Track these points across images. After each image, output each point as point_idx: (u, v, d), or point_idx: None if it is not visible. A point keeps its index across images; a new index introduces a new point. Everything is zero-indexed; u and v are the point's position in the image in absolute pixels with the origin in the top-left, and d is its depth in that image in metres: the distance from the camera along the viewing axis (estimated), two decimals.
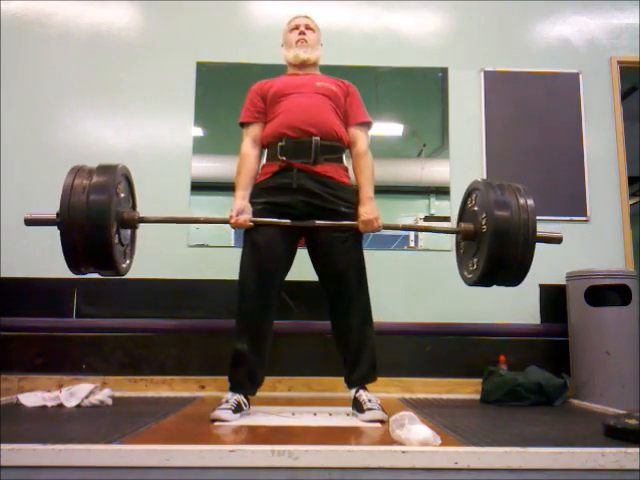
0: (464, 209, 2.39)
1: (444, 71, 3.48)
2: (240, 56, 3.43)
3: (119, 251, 2.13)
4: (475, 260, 2.21)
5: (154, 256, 3.22)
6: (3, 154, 3.30)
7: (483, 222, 2.14)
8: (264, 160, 2.47)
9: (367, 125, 2.54)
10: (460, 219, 2.41)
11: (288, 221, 2.26)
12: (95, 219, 1.96)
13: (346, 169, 2.46)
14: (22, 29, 3.45)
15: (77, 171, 2.06)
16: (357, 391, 2.26)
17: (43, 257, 3.21)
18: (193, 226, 3.27)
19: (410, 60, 3.48)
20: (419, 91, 3.55)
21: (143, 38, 3.48)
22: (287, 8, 3.47)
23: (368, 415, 2.10)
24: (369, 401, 2.17)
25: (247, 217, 2.27)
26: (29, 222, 2.12)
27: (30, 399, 2.49)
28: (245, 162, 2.40)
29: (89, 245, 1.98)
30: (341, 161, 2.44)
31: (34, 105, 3.38)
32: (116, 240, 2.07)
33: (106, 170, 2.07)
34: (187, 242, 3.25)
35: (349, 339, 2.31)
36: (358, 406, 2.20)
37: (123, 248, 2.20)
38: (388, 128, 3.53)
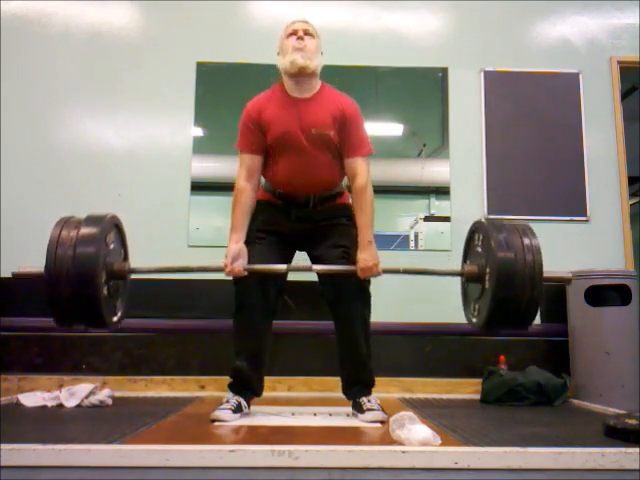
0: (468, 249, 2.29)
1: (444, 71, 3.48)
2: (240, 56, 3.43)
3: (108, 305, 2.03)
4: (480, 303, 2.11)
5: (154, 256, 3.22)
6: (3, 154, 3.30)
7: (487, 264, 2.05)
8: (262, 181, 2.41)
9: (368, 154, 2.36)
10: (464, 259, 2.31)
11: (284, 266, 2.18)
12: (82, 273, 1.87)
13: (344, 192, 2.42)
14: (22, 29, 3.45)
15: (64, 223, 1.98)
16: (359, 396, 2.25)
17: (43, 257, 3.21)
18: (193, 226, 3.27)
19: (410, 60, 3.49)
20: (419, 91, 3.55)
21: (143, 38, 3.48)
22: (287, 8, 3.48)
23: (368, 416, 2.10)
24: (369, 401, 2.17)
25: (242, 264, 2.16)
26: (17, 276, 2.04)
27: (30, 399, 2.49)
28: (240, 198, 2.27)
29: (76, 301, 1.89)
30: (340, 197, 2.40)
31: (34, 105, 3.38)
32: (105, 293, 1.98)
33: (94, 221, 1.99)
34: (187, 242, 3.25)
35: (350, 354, 2.29)
36: (358, 407, 2.20)
37: (113, 301, 2.10)
38: (388, 128, 3.53)
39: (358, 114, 2.33)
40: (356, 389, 2.27)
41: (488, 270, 2.02)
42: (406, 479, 1.41)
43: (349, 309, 2.24)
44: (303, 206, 2.32)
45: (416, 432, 1.55)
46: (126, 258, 2.25)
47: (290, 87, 2.30)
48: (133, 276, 3.17)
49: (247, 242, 2.24)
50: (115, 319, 2.11)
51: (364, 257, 2.16)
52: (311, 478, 1.40)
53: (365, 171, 2.29)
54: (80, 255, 1.88)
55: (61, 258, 1.88)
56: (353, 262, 2.18)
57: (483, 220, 2.22)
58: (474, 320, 2.16)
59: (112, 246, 2.07)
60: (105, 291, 1.98)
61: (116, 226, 2.15)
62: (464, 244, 2.33)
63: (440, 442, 1.53)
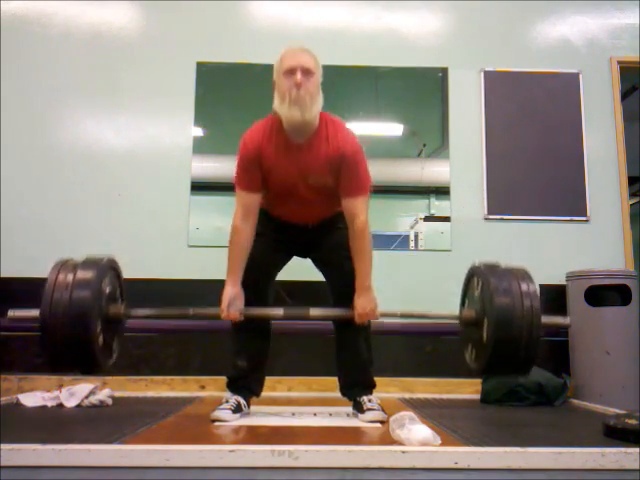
0: (466, 293, 2.25)
1: (444, 71, 3.48)
2: (240, 56, 3.43)
3: (103, 350, 2.00)
4: (478, 349, 2.09)
5: (154, 256, 3.23)
6: (3, 153, 3.30)
7: (485, 310, 2.02)
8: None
9: (368, 194, 2.24)
10: (462, 303, 2.28)
11: (281, 311, 2.14)
12: (77, 319, 1.84)
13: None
14: (22, 29, 3.45)
15: (61, 266, 1.97)
16: (359, 395, 2.26)
17: (43, 257, 3.21)
18: (193, 226, 3.27)
19: (410, 60, 3.49)
20: (419, 91, 3.55)
21: (143, 38, 3.48)
22: (287, 8, 3.49)
23: (368, 415, 2.10)
24: (369, 401, 2.17)
25: (239, 308, 2.12)
26: (13, 320, 2.01)
27: (30, 399, 2.49)
28: (237, 238, 2.17)
29: (71, 346, 1.87)
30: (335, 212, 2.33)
31: (34, 105, 3.38)
32: (100, 338, 1.95)
33: (91, 265, 1.97)
34: (187, 242, 3.25)
35: (351, 360, 2.29)
36: (358, 406, 2.20)
37: (109, 344, 2.07)
38: (388, 128, 3.53)
39: (359, 155, 2.18)
40: (357, 389, 2.27)
41: (486, 318, 2.00)
42: (406, 479, 1.41)
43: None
44: (301, 229, 2.31)
45: (416, 432, 1.55)
46: (122, 300, 2.21)
47: (288, 130, 2.14)
48: (133, 276, 3.19)
49: None
50: (110, 361, 2.08)
51: (362, 303, 2.11)
52: (311, 478, 1.40)
53: (364, 211, 2.17)
54: (75, 300, 1.86)
55: (57, 302, 1.86)
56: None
57: (479, 264, 2.15)
58: (474, 365, 2.13)
59: (108, 290, 2.04)
60: (100, 336, 1.95)
61: (113, 269, 2.12)
62: (462, 286, 2.28)
63: (440, 442, 1.53)
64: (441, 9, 3.57)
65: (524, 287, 1.99)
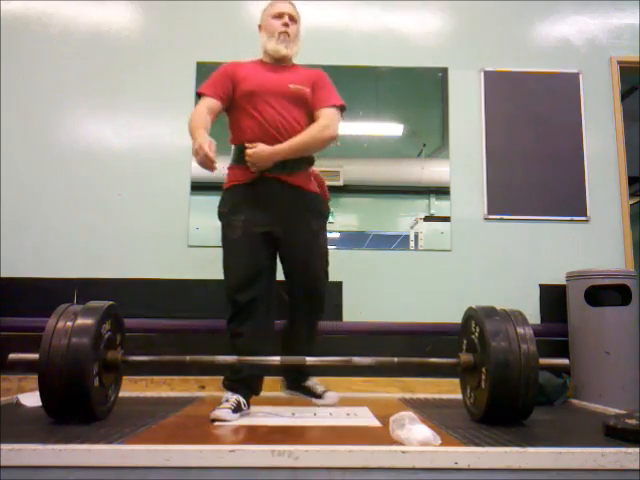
0: (463, 337, 2.24)
1: (444, 71, 3.48)
2: (240, 56, 3.39)
3: (99, 397, 2.00)
4: (477, 393, 2.07)
5: (154, 256, 3.23)
6: (4, 153, 3.31)
7: (483, 356, 2.01)
8: (230, 160, 2.42)
9: (336, 108, 2.41)
10: (460, 348, 2.26)
11: (277, 359, 2.12)
12: (74, 365, 1.86)
13: (314, 175, 2.47)
14: (22, 29, 3.45)
15: (62, 312, 1.98)
16: (304, 381, 2.44)
17: (43, 257, 3.22)
18: (193, 226, 3.28)
19: (410, 60, 3.49)
20: (419, 91, 3.55)
21: (143, 38, 3.49)
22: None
23: (328, 398, 2.27)
24: (317, 385, 2.39)
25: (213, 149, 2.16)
26: (12, 361, 2.05)
27: (30, 399, 2.48)
28: (199, 116, 2.29)
29: (67, 394, 1.88)
30: (310, 165, 2.43)
31: (35, 105, 3.39)
32: (97, 384, 1.96)
33: (91, 311, 1.99)
34: (187, 242, 3.26)
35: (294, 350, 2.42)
36: (312, 392, 2.39)
37: (105, 391, 2.07)
38: (388, 128, 3.53)
39: (328, 79, 2.47)
40: (300, 376, 2.47)
41: (485, 365, 1.98)
42: (406, 479, 1.41)
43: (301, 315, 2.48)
44: (271, 169, 2.30)
45: (416, 432, 1.55)
46: (122, 346, 2.21)
47: (270, 62, 2.48)
48: (133, 276, 3.20)
49: (229, 226, 2.33)
50: (105, 408, 2.06)
51: (263, 148, 2.25)
52: (311, 478, 1.40)
53: (330, 118, 2.34)
54: (73, 346, 1.87)
55: (55, 348, 1.88)
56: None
57: (476, 308, 2.13)
58: (473, 410, 2.11)
59: (107, 335, 2.05)
60: (97, 382, 1.96)
61: (113, 315, 2.12)
62: (460, 328, 2.26)
63: (440, 442, 1.53)
64: (441, 9, 3.57)
65: (520, 331, 1.99)
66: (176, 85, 3.42)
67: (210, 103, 2.35)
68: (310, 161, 2.43)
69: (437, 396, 2.97)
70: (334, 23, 3.51)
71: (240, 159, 2.33)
